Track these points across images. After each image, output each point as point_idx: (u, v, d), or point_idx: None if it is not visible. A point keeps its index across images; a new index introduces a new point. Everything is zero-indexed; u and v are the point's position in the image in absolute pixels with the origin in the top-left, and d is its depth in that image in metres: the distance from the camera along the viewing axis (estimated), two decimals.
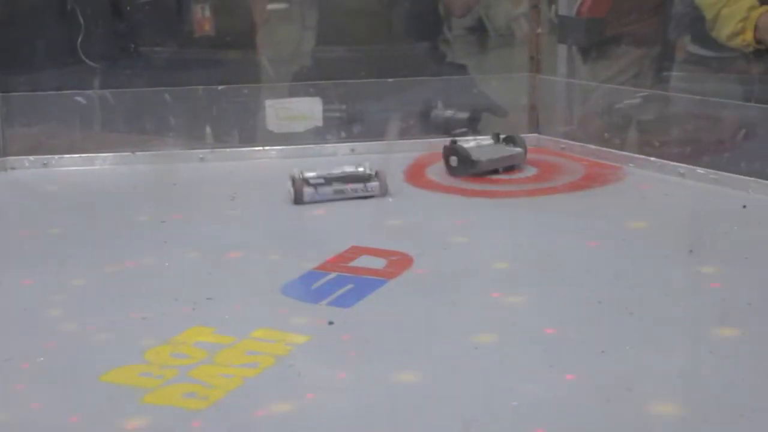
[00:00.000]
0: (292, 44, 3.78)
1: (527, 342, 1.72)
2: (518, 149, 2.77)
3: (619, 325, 1.77)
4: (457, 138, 2.80)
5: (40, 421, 1.50)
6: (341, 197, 2.49)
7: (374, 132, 3.03)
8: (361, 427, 1.47)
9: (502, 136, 2.78)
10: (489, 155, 2.70)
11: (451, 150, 2.70)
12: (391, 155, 2.92)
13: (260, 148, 2.99)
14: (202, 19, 3.53)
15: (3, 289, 2.02)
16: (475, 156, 2.68)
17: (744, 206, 2.36)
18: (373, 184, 2.50)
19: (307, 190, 2.48)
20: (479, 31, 4.45)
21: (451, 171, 2.69)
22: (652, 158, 2.70)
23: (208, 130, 3.25)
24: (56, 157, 2.92)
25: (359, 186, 2.50)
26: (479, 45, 4.28)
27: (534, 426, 1.45)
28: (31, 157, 2.92)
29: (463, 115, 3.09)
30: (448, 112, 3.08)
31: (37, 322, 1.86)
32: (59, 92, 3.02)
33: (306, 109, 3.02)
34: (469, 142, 2.75)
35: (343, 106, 3.02)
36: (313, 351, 1.70)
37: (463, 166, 2.67)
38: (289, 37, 3.84)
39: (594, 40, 3.14)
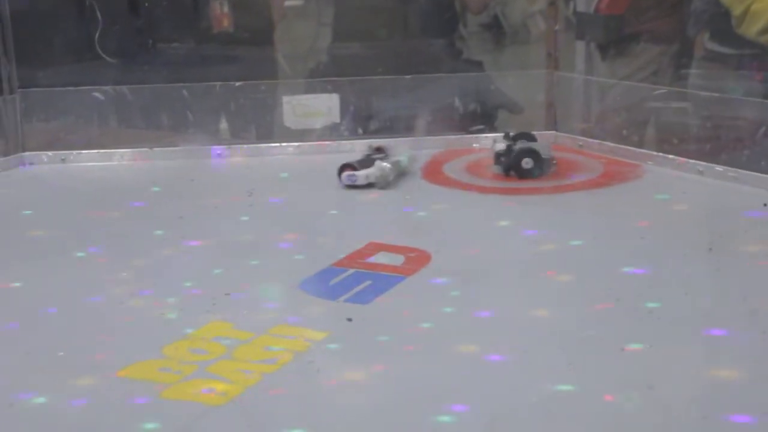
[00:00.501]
0: (308, 41, 3.78)
1: (545, 340, 1.71)
2: (547, 143, 2.76)
3: (638, 324, 1.76)
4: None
5: (59, 415, 1.51)
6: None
7: (392, 129, 3.03)
8: (381, 423, 1.47)
9: (511, 134, 2.77)
10: (548, 153, 2.65)
11: (522, 152, 2.60)
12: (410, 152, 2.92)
13: (277, 144, 2.99)
14: (221, 14, 3.53)
15: (23, 285, 2.03)
16: (546, 155, 2.62)
17: (765, 204, 2.35)
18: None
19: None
20: (495, 27, 4.45)
21: (522, 174, 2.58)
22: (671, 156, 2.69)
23: (225, 126, 3.26)
24: (74, 152, 2.94)
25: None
26: (495, 42, 4.27)
27: (554, 424, 1.45)
28: (49, 153, 2.93)
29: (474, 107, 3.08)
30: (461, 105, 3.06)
31: (55, 316, 1.86)
32: (77, 88, 3.03)
33: (323, 106, 3.02)
34: (496, 143, 2.72)
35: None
36: (332, 347, 1.70)
37: (539, 166, 2.60)
38: (305, 34, 3.84)
39: (612, 37, 3.13)
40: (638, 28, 3.23)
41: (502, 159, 2.64)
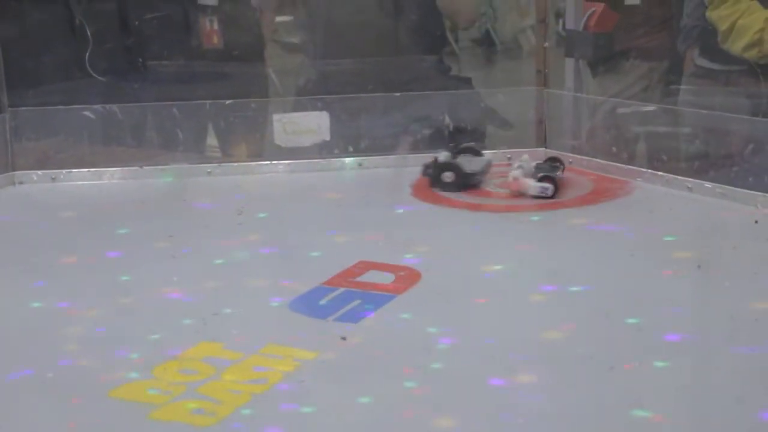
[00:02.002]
0: (298, 58, 3.78)
1: (535, 357, 1.72)
2: (488, 158, 2.79)
3: (627, 341, 1.76)
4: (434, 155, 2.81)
5: None
6: None
7: (382, 146, 3.03)
8: None
9: (459, 147, 2.80)
10: (474, 167, 2.71)
11: (444, 166, 2.69)
12: (398, 170, 2.93)
13: (267, 162, 2.99)
14: (210, 30, 3.54)
15: (11, 304, 2.02)
16: (468, 169, 2.68)
17: (756, 221, 2.35)
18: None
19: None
20: (486, 44, 4.46)
21: (444, 187, 2.67)
22: (660, 172, 2.70)
23: (215, 144, 3.26)
24: (64, 171, 2.93)
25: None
26: (486, 58, 4.28)
27: None
28: (39, 172, 2.93)
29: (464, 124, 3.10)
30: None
31: (46, 337, 1.85)
32: (67, 107, 3.03)
33: (313, 124, 3.02)
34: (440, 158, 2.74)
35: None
36: (322, 367, 1.70)
37: (459, 180, 2.67)
38: (299, 50, 3.85)
39: (601, 55, 3.14)
40: (628, 46, 3.25)
41: (429, 171, 2.69)
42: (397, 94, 3.07)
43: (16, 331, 1.89)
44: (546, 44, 3.09)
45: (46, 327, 1.90)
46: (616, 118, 3.03)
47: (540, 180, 2.59)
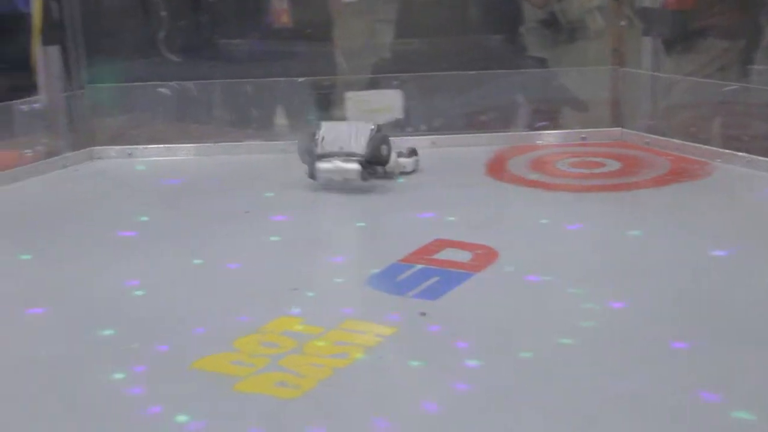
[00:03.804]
0: (369, 36, 3.78)
1: (613, 338, 1.70)
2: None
3: (706, 322, 1.74)
4: None
5: (132, 408, 1.52)
6: None
7: (455, 125, 3.02)
8: (451, 419, 1.47)
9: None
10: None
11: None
12: (471, 149, 2.92)
13: None
14: (280, 9, 3.55)
15: (94, 279, 2.06)
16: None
17: None
18: None
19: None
20: (557, 23, 4.41)
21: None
22: (740, 153, 2.64)
23: (288, 121, 3.27)
24: (140, 147, 2.97)
25: None
26: (559, 38, 4.23)
27: (622, 422, 1.43)
28: (117, 147, 2.97)
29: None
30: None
31: (129, 310, 1.88)
32: (144, 84, 3.07)
33: (386, 102, 3.02)
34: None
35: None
36: (402, 342, 1.70)
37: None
38: (366, 30, 3.84)
39: (679, 33, 3.09)
40: (705, 23, 3.19)
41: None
42: (472, 72, 3.05)
43: (95, 305, 1.92)
44: (622, 23, 3.04)
45: (127, 300, 1.92)
46: (693, 97, 2.98)
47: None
